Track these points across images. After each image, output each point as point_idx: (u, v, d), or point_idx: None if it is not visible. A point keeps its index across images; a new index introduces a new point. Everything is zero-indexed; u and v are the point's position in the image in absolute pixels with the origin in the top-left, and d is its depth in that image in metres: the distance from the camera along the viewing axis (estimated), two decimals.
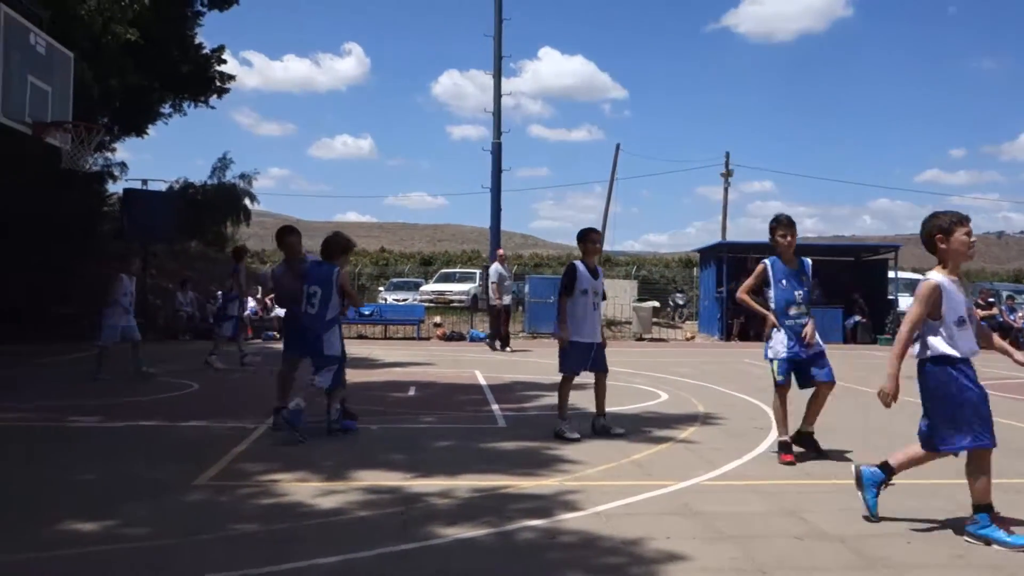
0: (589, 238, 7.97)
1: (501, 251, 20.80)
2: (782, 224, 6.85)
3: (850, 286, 23.96)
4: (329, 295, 7.37)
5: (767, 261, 6.91)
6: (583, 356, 7.78)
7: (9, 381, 11.79)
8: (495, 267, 19.35)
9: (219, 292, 21.77)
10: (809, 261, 7.05)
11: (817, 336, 6.89)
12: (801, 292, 6.82)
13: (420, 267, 50.68)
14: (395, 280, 37.29)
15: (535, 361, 15.83)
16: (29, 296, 18.68)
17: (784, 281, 6.81)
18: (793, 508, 5.28)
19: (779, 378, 6.79)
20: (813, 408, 6.97)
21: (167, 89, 20.71)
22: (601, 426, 7.87)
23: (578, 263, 7.90)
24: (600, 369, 7.95)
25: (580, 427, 7.73)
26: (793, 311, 6.79)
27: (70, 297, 19.91)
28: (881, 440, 7.38)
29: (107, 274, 13.20)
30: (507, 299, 18.97)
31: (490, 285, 19.10)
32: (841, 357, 17.71)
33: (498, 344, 18.89)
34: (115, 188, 23.98)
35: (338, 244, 7.66)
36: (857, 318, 23.46)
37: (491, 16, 25.80)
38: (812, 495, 5.66)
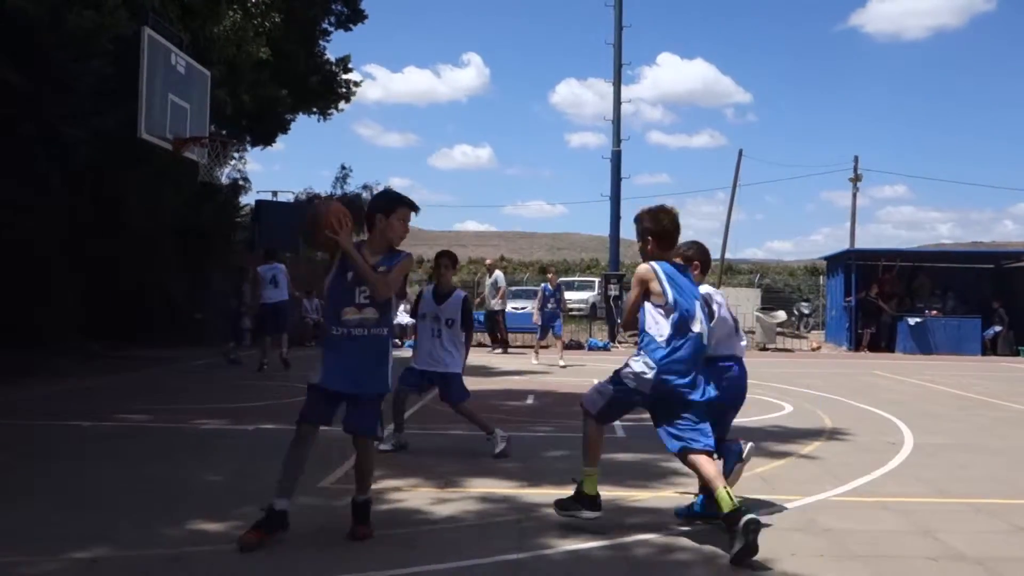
0: (441, 262, 7.31)
1: (489, 260, 22.56)
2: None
3: (990, 294, 22.93)
4: None
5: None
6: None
7: (144, 385, 12.38)
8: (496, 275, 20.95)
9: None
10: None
11: None
12: None
13: (539, 275, 50.79)
14: (514, 288, 37.55)
15: None
16: (167, 303, 19.63)
17: None
18: (927, 527, 5.02)
19: None
20: None
21: (296, 99, 21.52)
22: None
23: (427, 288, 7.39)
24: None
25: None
26: None
27: (205, 304, 20.81)
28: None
29: None
30: (494, 303, 20.45)
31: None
32: (980, 370, 16.87)
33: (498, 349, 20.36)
34: (247, 199, 24.95)
35: None
36: (997, 328, 22.31)
37: (610, 24, 25.70)
38: (948, 514, 5.37)
